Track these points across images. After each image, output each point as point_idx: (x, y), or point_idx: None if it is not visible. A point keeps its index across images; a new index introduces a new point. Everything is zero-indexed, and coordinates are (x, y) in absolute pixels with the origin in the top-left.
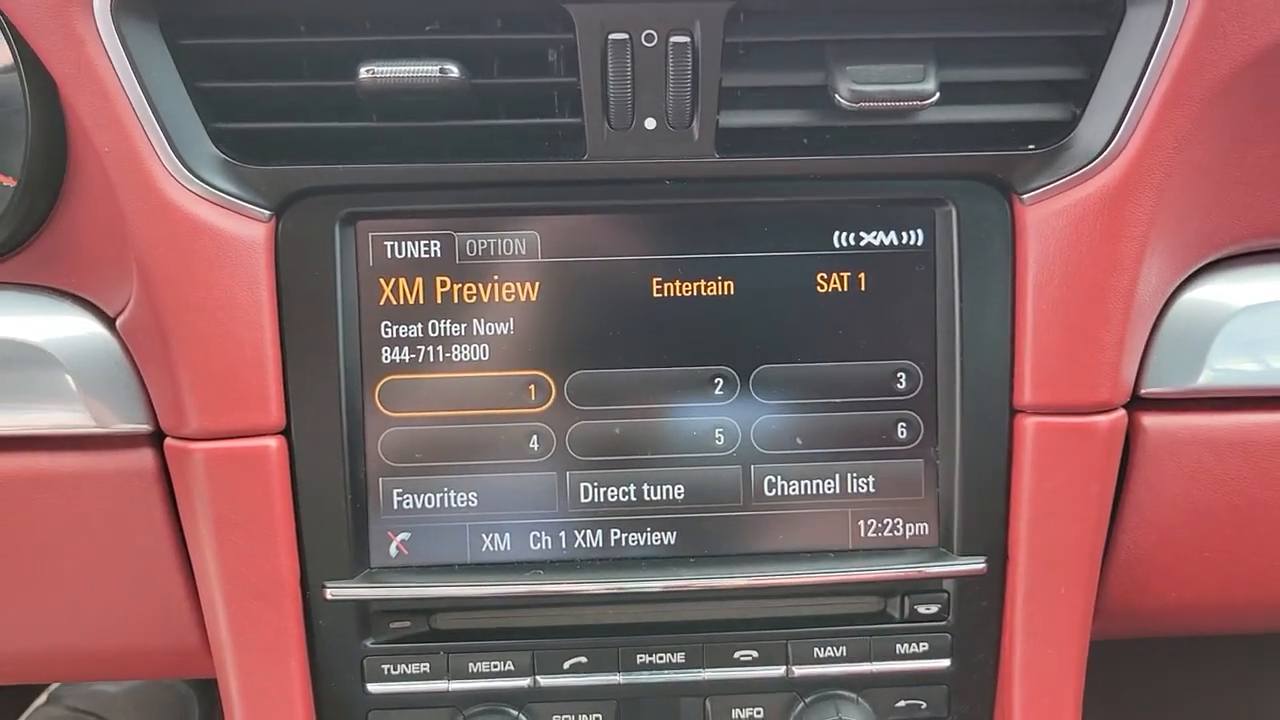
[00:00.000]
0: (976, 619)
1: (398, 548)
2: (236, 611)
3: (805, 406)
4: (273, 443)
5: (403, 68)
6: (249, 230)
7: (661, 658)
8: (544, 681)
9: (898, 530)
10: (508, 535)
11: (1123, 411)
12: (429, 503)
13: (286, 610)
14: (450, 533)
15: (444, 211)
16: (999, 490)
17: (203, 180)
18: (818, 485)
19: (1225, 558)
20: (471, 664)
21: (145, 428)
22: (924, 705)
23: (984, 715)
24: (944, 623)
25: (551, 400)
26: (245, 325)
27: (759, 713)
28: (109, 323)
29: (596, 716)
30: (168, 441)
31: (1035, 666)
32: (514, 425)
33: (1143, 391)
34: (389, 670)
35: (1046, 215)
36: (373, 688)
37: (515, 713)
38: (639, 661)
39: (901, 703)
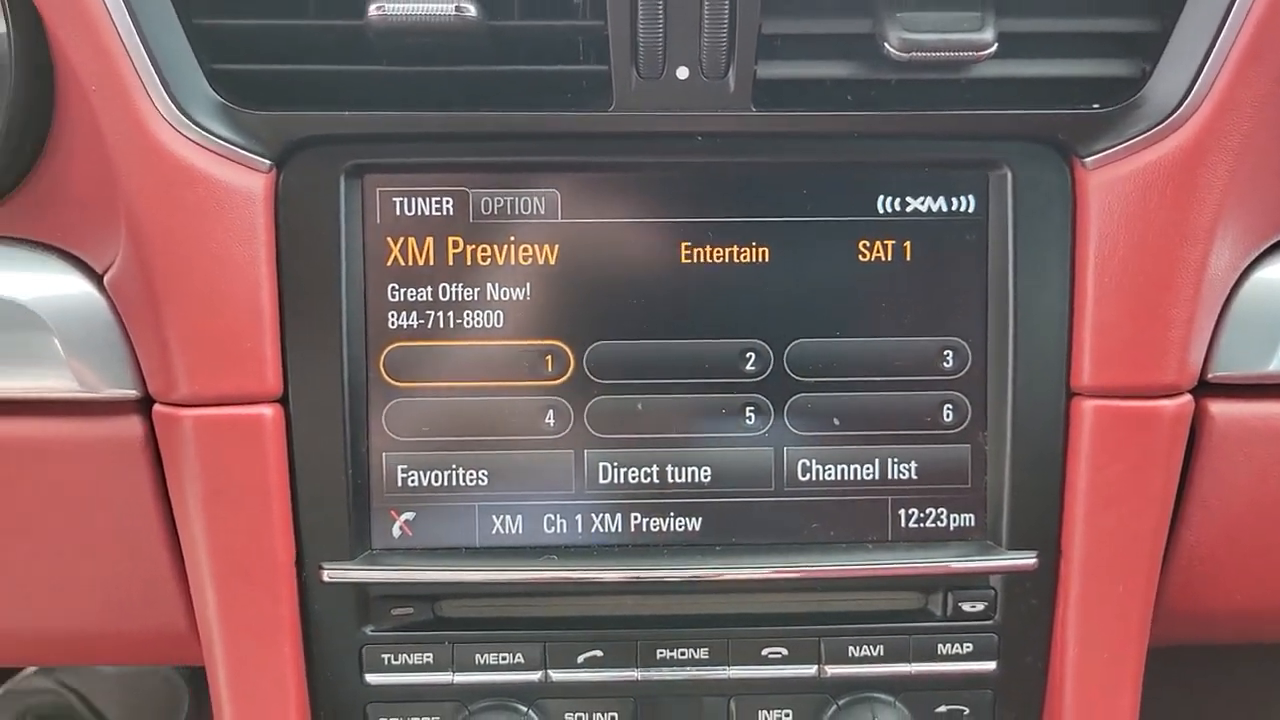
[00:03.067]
0: (1025, 619)
1: (401, 528)
2: (226, 591)
3: (843, 385)
4: (268, 411)
5: (415, 6)
6: (247, 181)
7: (683, 653)
8: (556, 676)
9: (941, 521)
10: (520, 517)
11: (1189, 397)
12: (435, 480)
13: (280, 592)
14: (458, 513)
15: (457, 165)
16: (1053, 479)
17: (198, 125)
18: (855, 470)
19: None
20: (478, 655)
21: (133, 393)
22: (966, 711)
23: None
24: (990, 622)
25: (570, 373)
26: (240, 283)
27: (788, 715)
28: (96, 280)
29: (612, 715)
30: (156, 408)
31: (1088, 672)
32: (529, 399)
33: (1211, 376)
34: (389, 660)
35: (1111, 180)
36: (371, 678)
37: (524, 709)
38: (659, 657)
39: (943, 708)
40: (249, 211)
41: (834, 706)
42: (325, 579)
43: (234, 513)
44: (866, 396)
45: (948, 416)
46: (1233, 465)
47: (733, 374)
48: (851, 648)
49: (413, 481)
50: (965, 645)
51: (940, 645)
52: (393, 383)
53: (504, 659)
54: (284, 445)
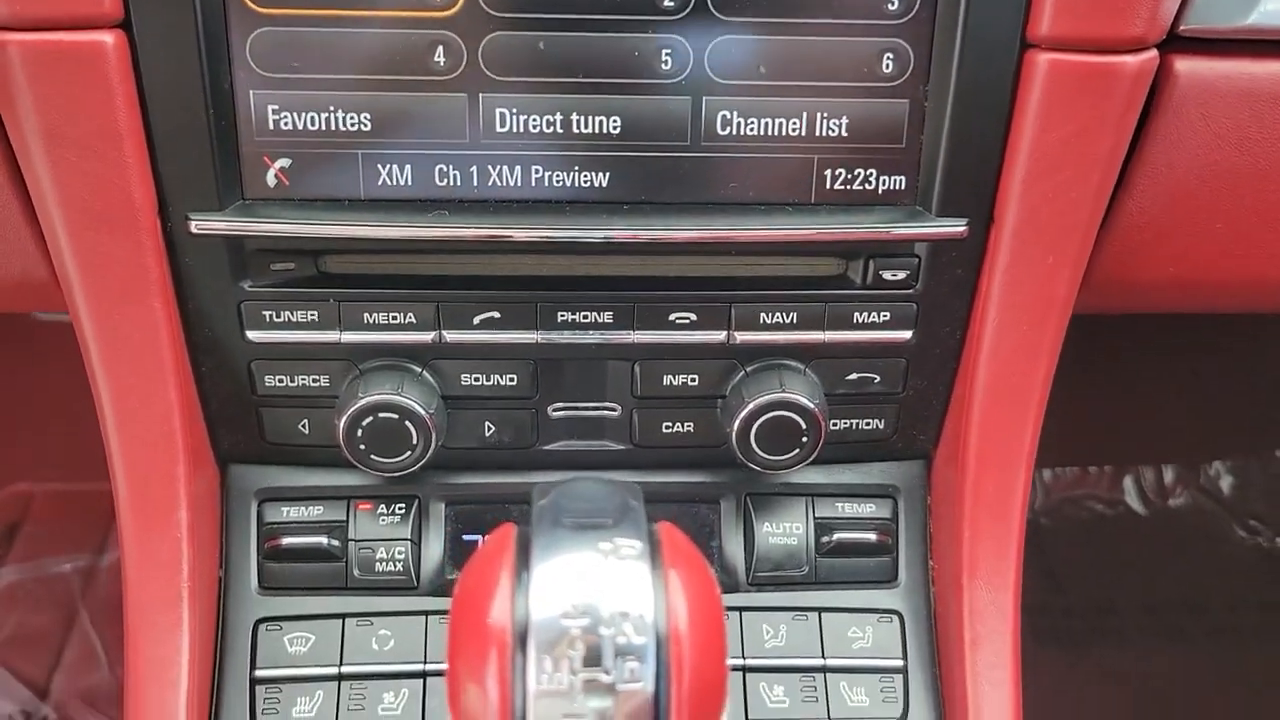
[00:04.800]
0: (948, 288)
1: (276, 176)
2: (82, 243)
3: (773, 27)
4: (109, 38)
5: None
6: None
7: (586, 316)
8: (450, 337)
9: (870, 183)
10: (408, 167)
11: (1155, 52)
12: (312, 124)
13: (144, 245)
14: (339, 161)
15: None
16: (994, 141)
17: None
18: (781, 125)
19: (1240, 231)
20: (367, 314)
21: None
22: (877, 379)
23: (942, 392)
24: (911, 291)
25: (461, 2)
26: None
27: (694, 380)
28: None
29: (511, 377)
30: None
31: (1007, 341)
32: (415, 32)
33: (1182, 29)
34: (271, 317)
35: None
36: (253, 335)
37: (418, 369)
38: (560, 319)
39: (853, 375)
40: None
41: (742, 373)
42: (194, 230)
43: (80, 156)
44: (799, 41)
45: (887, 67)
46: (1188, 129)
47: (648, 10)
48: (764, 314)
49: (286, 124)
50: (883, 314)
51: (856, 314)
52: (256, 9)
53: (394, 319)
54: (131, 79)
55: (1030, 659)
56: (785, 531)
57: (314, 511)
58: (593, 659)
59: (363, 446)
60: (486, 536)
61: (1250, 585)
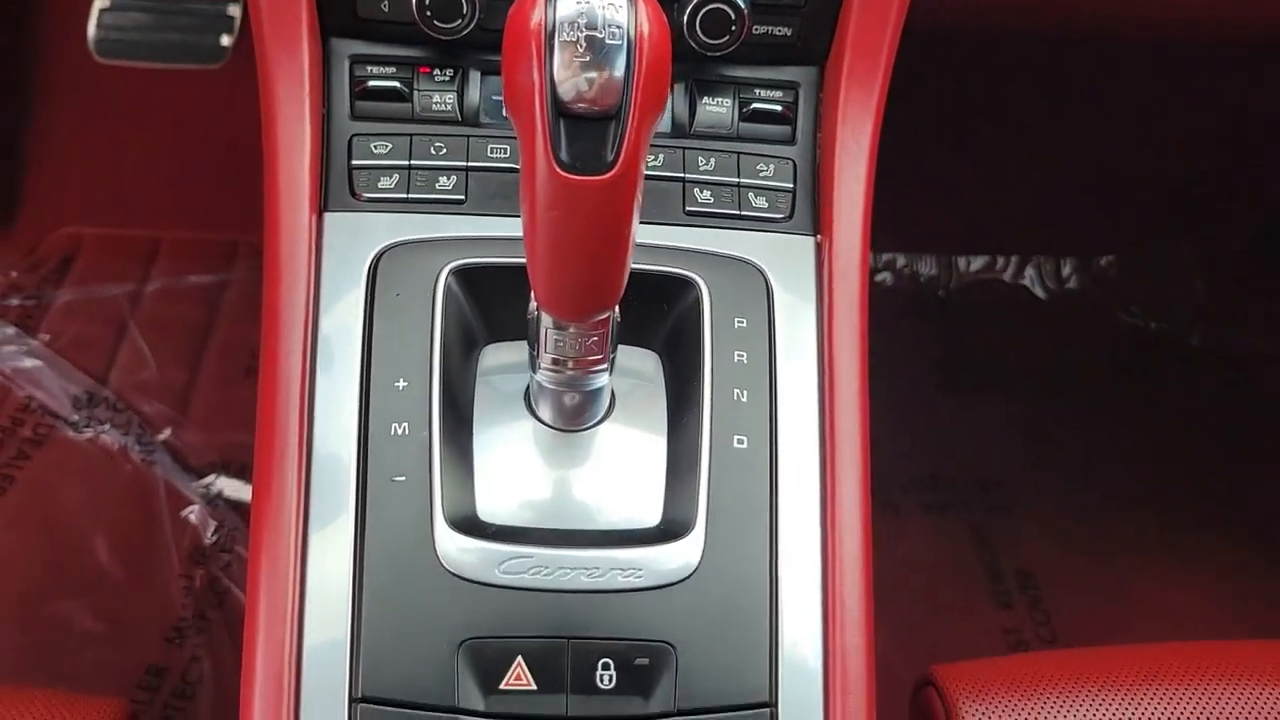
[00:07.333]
0: None
1: None
2: None
3: None
4: None
5: None
6: None
7: None
8: None
9: None
10: None
11: None
12: None
13: None
14: None
15: None
16: None
17: None
18: None
19: None
20: None
21: None
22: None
23: (833, 8)
24: None
25: None
26: None
27: None
28: None
29: None
30: None
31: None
32: None
33: None
34: None
35: None
36: None
37: None
38: None
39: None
40: None
41: None
42: None
43: None
44: None
45: None
46: None
47: None
48: None
49: None
50: None
51: None
52: None
53: None
54: None
55: (935, 400)
56: (718, 104)
57: (388, 70)
58: (591, 25)
59: (429, 13)
60: None
61: (1124, 357)
